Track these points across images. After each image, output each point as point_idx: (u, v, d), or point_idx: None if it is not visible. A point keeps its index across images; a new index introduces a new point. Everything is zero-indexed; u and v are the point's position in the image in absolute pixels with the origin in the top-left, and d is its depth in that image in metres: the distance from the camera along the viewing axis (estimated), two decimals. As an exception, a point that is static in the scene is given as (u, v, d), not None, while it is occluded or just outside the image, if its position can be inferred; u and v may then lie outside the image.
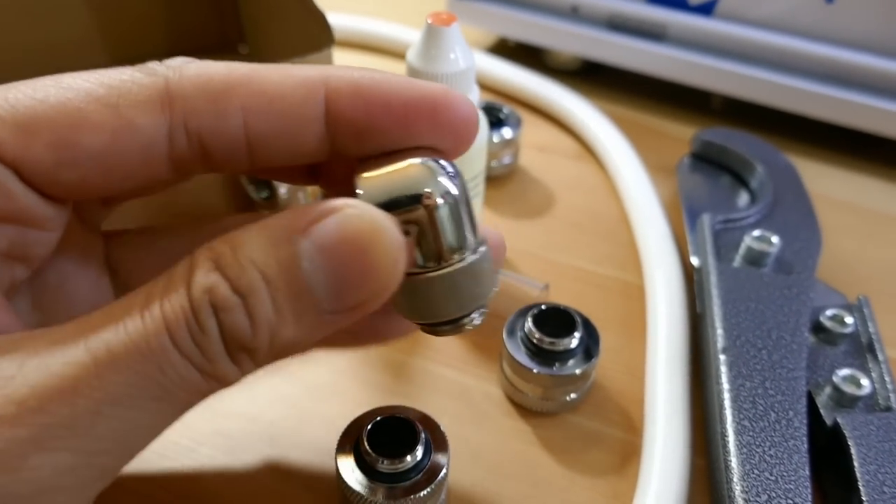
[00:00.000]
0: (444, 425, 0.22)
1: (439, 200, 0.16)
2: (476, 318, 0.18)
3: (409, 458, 0.21)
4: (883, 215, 0.36)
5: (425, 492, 0.21)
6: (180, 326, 0.14)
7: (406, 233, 0.16)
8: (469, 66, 0.28)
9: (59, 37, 0.39)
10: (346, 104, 0.16)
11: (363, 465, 0.21)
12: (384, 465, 0.21)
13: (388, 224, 0.15)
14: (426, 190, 0.16)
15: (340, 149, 0.17)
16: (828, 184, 0.38)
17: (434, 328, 0.18)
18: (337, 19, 0.47)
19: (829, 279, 0.32)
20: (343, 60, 0.46)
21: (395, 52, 0.47)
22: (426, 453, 0.22)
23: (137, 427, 0.14)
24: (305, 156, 0.17)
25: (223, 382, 0.15)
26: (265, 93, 0.16)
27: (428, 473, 0.21)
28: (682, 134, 0.40)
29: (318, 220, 0.14)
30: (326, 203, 0.15)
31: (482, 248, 0.17)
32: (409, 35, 0.46)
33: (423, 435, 0.21)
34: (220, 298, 0.14)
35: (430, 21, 0.27)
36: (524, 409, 0.27)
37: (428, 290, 0.17)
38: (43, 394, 0.13)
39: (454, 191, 0.17)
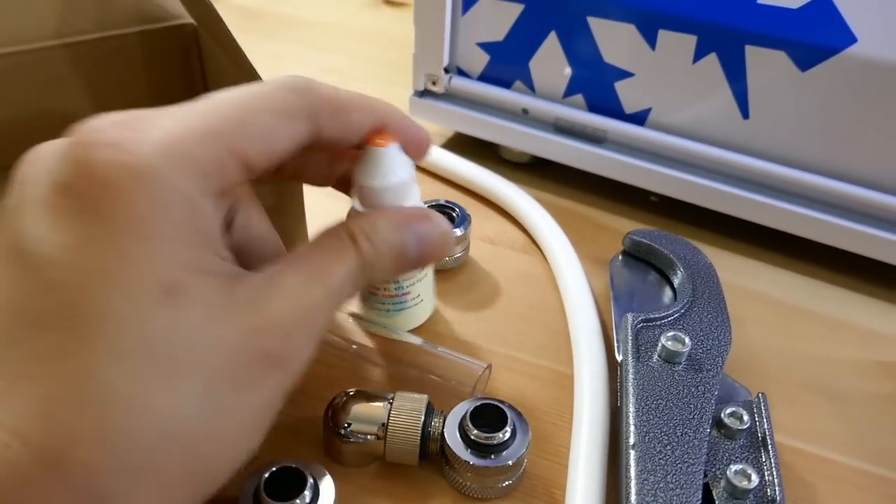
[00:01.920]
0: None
1: None
2: None
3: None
4: (795, 308, 0.40)
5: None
6: (356, 273, 0.25)
7: None
8: (410, 175, 0.31)
9: (71, 119, 0.43)
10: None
11: None
12: None
13: (450, 231, 0.29)
14: None
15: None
16: (748, 277, 0.42)
17: None
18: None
19: (740, 369, 0.35)
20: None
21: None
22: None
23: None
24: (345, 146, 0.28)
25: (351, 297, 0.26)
26: (354, 117, 0.27)
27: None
28: (623, 227, 0.44)
29: (419, 220, 0.27)
30: (422, 209, 0.28)
31: None
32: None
33: (310, 480, 0.27)
34: (371, 260, 0.25)
35: (370, 142, 0.30)
36: (462, 496, 0.30)
37: None
38: (294, 320, 0.22)
39: None
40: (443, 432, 0.30)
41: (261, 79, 0.36)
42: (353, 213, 0.32)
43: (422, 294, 0.35)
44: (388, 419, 0.30)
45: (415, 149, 0.30)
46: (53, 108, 0.44)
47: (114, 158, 0.20)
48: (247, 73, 0.38)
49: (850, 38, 0.36)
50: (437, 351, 0.34)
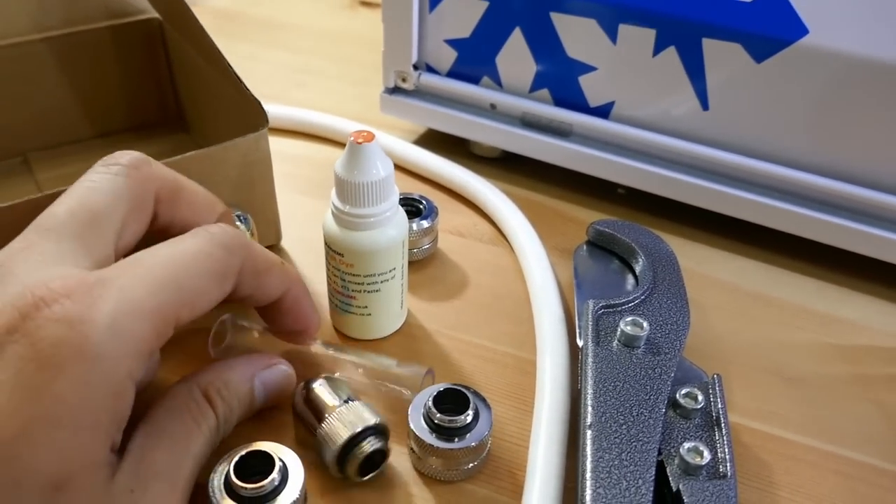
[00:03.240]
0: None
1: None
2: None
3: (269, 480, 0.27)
4: (755, 294, 0.41)
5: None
6: (215, 431, 0.27)
7: None
8: (388, 173, 0.32)
9: (50, 109, 0.47)
10: (287, 299, 0.31)
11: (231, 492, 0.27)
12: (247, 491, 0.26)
13: (292, 374, 0.31)
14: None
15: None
16: (711, 265, 0.43)
17: None
18: (274, 109, 0.51)
19: (700, 354, 0.36)
20: (279, 145, 0.51)
21: (325, 138, 0.52)
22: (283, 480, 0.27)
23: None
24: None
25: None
26: (269, 284, 0.29)
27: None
28: (590, 218, 0.45)
29: (265, 367, 0.30)
30: (269, 357, 0.31)
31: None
32: (334, 122, 0.51)
33: (279, 463, 0.27)
34: (227, 416, 0.28)
35: (352, 139, 0.31)
36: (428, 479, 0.31)
37: None
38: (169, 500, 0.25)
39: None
40: (383, 450, 0.29)
41: (230, 67, 0.37)
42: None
43: (370, 308, 0.35)
44: (323, 421, 0.29)
45: (301, 326, 0.32)
46: (31, 96, 0.45)
47: (66, 336, 0.22)
48: (213, 61, 0.38)
49: (802, 30, 0.37)
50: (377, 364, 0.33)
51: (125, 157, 0.28)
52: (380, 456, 0.30)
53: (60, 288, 0.22)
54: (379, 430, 0.29)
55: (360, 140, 0.31)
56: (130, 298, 0.23)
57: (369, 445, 0.29)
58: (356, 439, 0.29)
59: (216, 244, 0.26)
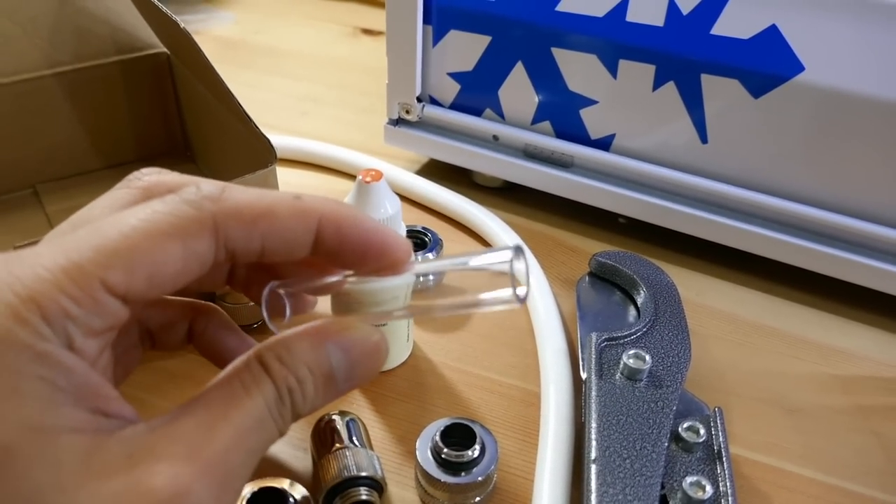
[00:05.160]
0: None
1: None
2: None
3: None
4: (756, 324, 0.42)
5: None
6: (274, 405, 0.21)
7: None
8: (396, 210, 0.33)
9: (60, 141, 0.48)
10: (329, 235, 0.23)
11: None
12: None
13: (382, 340, 0.23)
14: None
15: (312, 258, 0.23)
16: (712, 295, 0.44)
17: None
18: (282, 140, 0.52)
19: (701, 385, 0.37)
20: (288, 176, 0.52)
21: (331, 168, 0.53)
22: None
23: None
24: (289, 260, 0.24)
25: (282, 435, 0.22)
26: (278, 225, 0.22)
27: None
28: (592, 248, 0.46)
29: (341, 332, 0.23)
30: (343, 320, 0.24)
31: None
32: (341, 154, 0.52)
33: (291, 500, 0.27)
34: (291, 386, 0.21)
35: (360, 178, 0.32)
36: (434, 511, 0.31)
37: None
38: (190, 474, 0.19)
39: None
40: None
41: (239, 103, 0.38)
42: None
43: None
44: (323, 457, 0.30)
45: (377, 250, 0.24)
46: (42, 130, 0.46)
47: None
48: (221, 97, 0.39)
49: (799, 67, 0.38)
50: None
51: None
52: None
53: None
54: (373, 483, 0.30)
55: (368, 179, 0.32)
56: (36, 270, 0.19)
57: (357, 495, 0.29)
58: (346, 485, 0.29)
59: (169, 200, 0.21)
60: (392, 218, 0.33)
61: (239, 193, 0.22)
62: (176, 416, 0.20)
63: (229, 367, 0.22)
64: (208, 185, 0.22)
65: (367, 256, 0.23)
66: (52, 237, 0.23)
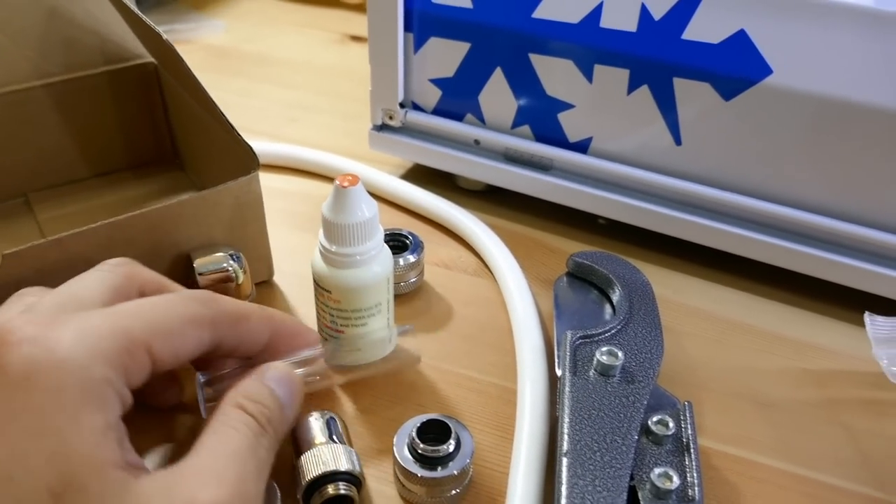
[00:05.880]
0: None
1: None
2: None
3: None
4: (730, 321, 0.43)
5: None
6: (259, 431, 0.27)
7: None
8: (373, 214, 0.34)
9: (51, 150, 0.49)
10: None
11: None
12: None
13: (289, 370, 0.31)
14: None
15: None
16: (688, 294, 0.44)
17: None
18: (260, 146, 0.53)
19: (675, 380, 0.38)
20: (273, 182, 0.53)
21: (315, 173, 0.54)
22: None
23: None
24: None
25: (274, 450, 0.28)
26: (252, 327, 0.31)
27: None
28: (572, 249, 0.47)
29: (270, 370, 0.30)
30: (269, 364, 0.31)
31: None
32: (325, 159, 0.53)
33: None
34: (262, 412, 0.28)
35: (337, 183, 0.33)
36: (413, 505, 0.32)
37: None
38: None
39: None
40: (350, 496, 0.30)
41: (221, 112, 0.39)
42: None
43: (360, 344, 0.36)
44: (302, 455, 0.31)
45: (297, 345, 0.33)
46: (32, 139, 0.47)
47: (31, 353, 0.23)
48: (205, 105, 0.40)
49: (767, 70, 0.39)
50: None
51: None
52: (347, 502, 0.31)
53: (22, 320, 0.24)
54: (351, 477, 0.31)
55: (345, 184, 0.33)
56: (90, 323, 0.25)
57: (335, 489, 0.30)
58: (325, 480, 0.30)
59: (186, 297, 0.29)
60: (369, 221, 0.34)
61: (227, 300, 0.31)
62: (186, 462, 0.24)
63: (213, 420, 0.27)
64: (201, 292, 0.30)
65: (287, 348, 0.33)
66: (51, 310, 0.27)
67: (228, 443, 0.26)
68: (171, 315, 0.27)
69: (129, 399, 0.26)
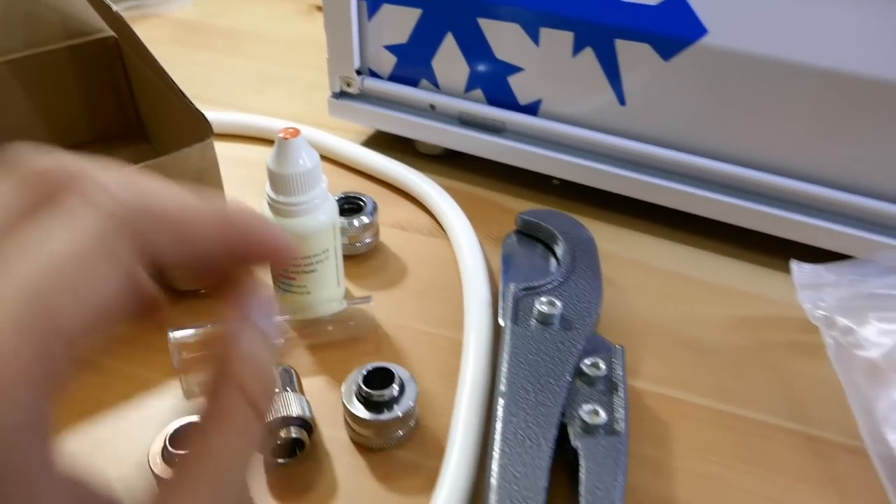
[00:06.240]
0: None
1: None
2: None
3: None
4: (672, 273, 0.45)
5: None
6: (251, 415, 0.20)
7: None
8: (314, 164, 0.36)
9: (17, 126, 0.50)
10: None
11: None
12: None
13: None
14: None
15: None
16: (633, 248, 0.46)
17: None
18: (216, 115, 0.54)
19: (617, 331, 0.40)
20: (236, 151, 0.54)
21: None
22: None
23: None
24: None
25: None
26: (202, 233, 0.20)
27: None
28: (525, 208, 0.48)
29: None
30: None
31: None
32: (281, 126, 0.54)
33: None
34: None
35: (280, 135, 0.35)
36: (363, 448, 0.34)
37: None
38: None
39: None
40: (301, 440, 0.33)
41: (173, 82, 0.40)
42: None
43: (309, 287, 0.38)
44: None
45: (272, 254, 0.22)
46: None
47: None
48: (159, 74, 0.42)
49: (702, 30, 0.41)
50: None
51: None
52: (299, 445, 0.33)
53: None
54: (303, 422, 0.33)
55: (286, 136, 0.35)
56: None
57: (287, 433, 0.32)
58: (276, 425, 0.32)
59: (89, 217, 0.17)
60: (311, 171, 0.35)
61: (168, 198, 0.19)
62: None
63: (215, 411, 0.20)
64: (116, 186, 0.19)
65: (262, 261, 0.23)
66: None
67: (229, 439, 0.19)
68: (65, 267, 0.16)
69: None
